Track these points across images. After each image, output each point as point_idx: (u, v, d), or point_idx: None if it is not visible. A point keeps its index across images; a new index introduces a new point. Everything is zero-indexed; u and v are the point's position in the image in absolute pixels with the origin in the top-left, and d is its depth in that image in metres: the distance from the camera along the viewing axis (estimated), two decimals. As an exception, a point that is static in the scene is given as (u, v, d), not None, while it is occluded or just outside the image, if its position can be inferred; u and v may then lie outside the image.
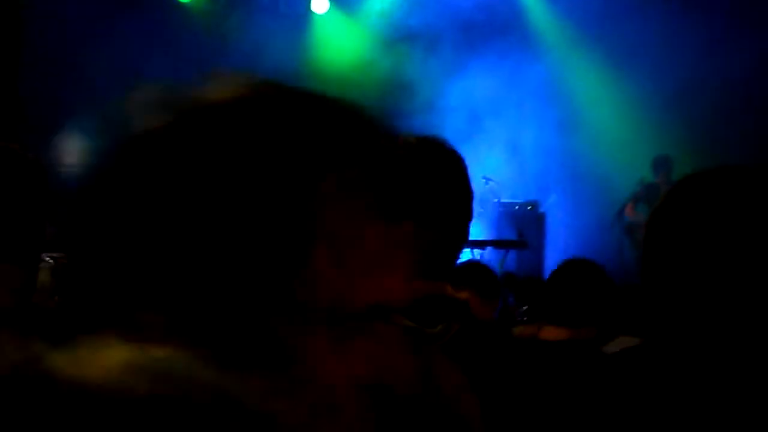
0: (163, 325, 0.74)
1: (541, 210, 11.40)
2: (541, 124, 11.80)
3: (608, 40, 11.24)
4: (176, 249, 0.76)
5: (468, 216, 1.96)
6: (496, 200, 11.04)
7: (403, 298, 0.82)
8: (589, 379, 1.68)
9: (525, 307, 6.64)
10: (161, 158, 0.79)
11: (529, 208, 11.22)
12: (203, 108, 0.82)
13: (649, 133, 10.98)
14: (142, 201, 0.78)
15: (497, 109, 11.57)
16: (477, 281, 4.40)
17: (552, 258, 10.35)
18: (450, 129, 11.13)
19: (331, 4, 12.26)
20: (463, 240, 1.97)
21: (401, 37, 11.96)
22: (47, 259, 2.29)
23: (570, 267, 3.78)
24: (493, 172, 11.00)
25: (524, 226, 10.60)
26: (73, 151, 10.27)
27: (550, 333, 3.53)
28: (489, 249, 10.01)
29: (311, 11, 12.25)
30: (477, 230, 9.90)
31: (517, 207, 11.15)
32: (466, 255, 8.38)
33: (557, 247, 11.16)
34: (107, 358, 0.67)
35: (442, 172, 1.94)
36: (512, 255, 10.43)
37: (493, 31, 11.76)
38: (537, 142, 11.88)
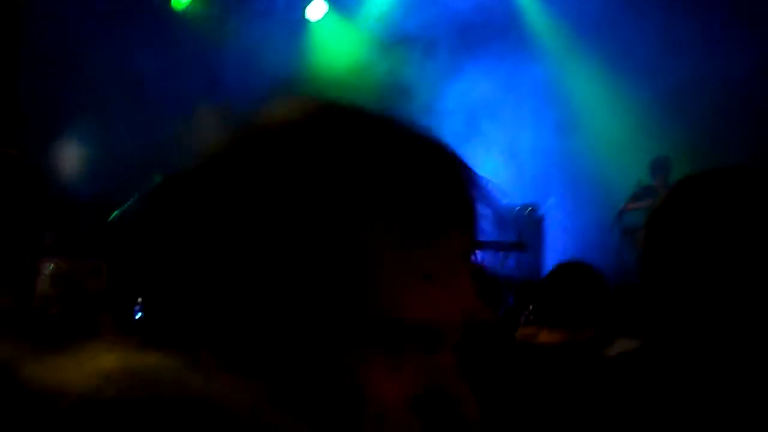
0: (222, 358, 0.75)
1: (540, 212, 11.40)
2: (539, 126, 11.80)
3: (606, 42, 11.24)
4: (234, 276, 0.76)
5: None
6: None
7: (456, 316, 0.82)
8: (590, 383, 1.68)
9: (530, 308, 6.63)
10: (222, 184, 0.80)
11: (528, 210, 11.22)
12: (266, 132, 0.82)
13: (647, 135, 10.98)
14: (203, 227, 0.78)
15: (495, 112, 11.58)
16: (479, 285, 4.39)
17: (551, 260, 10.34)
18: (448, 132, 11.08)
19: (327, 9, 12.26)
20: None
21: (398, 40, 11.96)
22: (48, 265, 2.30)
23: (564, 270, 3.78)
24: (492, 174, 10.99)
25: (523, 228, 10.61)
26: (72, 156, 10.28)
27: (548, 336, 3.53)
28: (488, 252, 10.02)
29: (307, 16, 12.25)
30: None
31: (516, 210, 11.15)
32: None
33: (556, 249, 11.15)
34: (89, 364, 0.67)
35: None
36: (511, 257, 10.45)
37: (491, 34, 11.76)
38: (535, 145, 11.88)
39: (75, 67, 10.60)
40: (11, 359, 0.67)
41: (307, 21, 12.31)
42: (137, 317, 6.34)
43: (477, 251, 0.89)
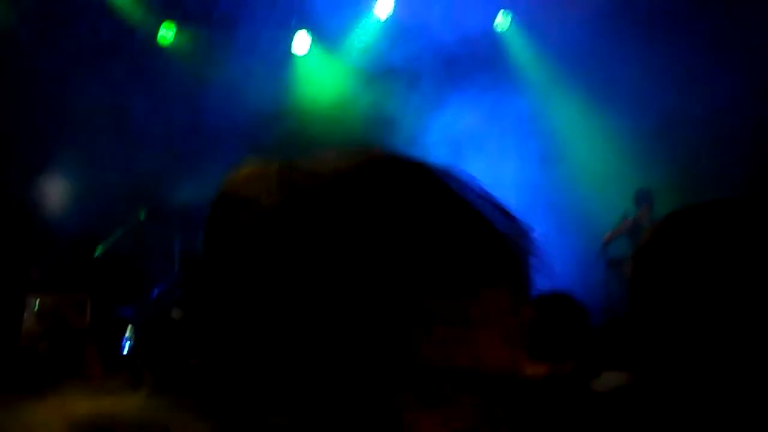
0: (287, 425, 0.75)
1: (524, 244, 11.39)
2: (523, 158, 11.83)
3: (589, 74, 11.30)
4: (287, 318, 0.77)
5: None
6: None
7: (496, 364, 0.83)
8: (582, 418, 1.69)
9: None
10: (281, 237, 0.80)
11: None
12: (322, 184, 0.83)
13: (630, 167, 11.02)
14: (263, 283, 0.79)
15: (479, 144, 11.60)
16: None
17: (534, 292, 10.32)
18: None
19: (312, 42, 12.29)
20: None
21: (383, 72, 12.00)
22: (33, 300, 2.29)
23: (546, 302, 3.77)
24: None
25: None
26: (56, 190, 10.26)
27: (531, 369, 3.51)
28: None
29: (292, 51, 12.29)
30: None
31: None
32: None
33: (540, 280, 11.13)
34: (59, 412, 0.67)
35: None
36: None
37: (475, 66, 11.81)
38: (519, 176, 11.91)
39: (60, 102, 10.60)
40: None
41: (292, 55, 12.34)
42: (124, 352, 6.31)
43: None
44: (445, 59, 11.81)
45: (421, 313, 0.78)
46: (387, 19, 12.13)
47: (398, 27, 12.05)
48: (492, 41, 12.35)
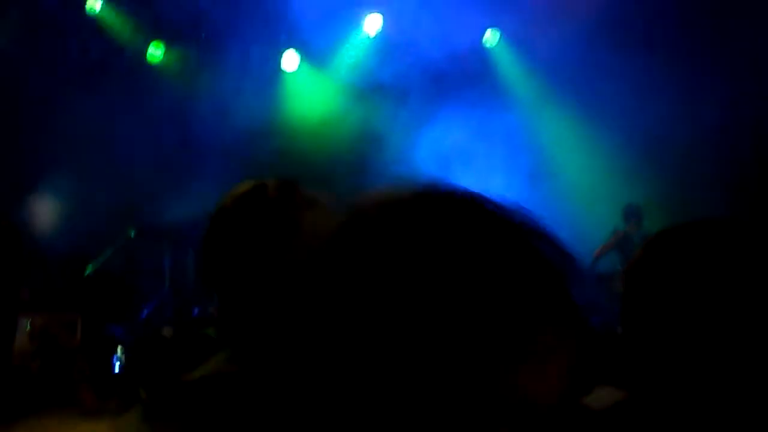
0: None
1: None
2: (512, 174, 11.84)
3: (577, 90, 11.32)
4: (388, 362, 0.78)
5: None
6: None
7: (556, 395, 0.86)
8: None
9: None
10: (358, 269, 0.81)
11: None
12: (388, 216, 0.84)
13: (620, 182, 11.04)
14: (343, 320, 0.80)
15: (468, 160, 11.61)
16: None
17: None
18: (422, 180, 11.17)
19: (300, 60, 12.31)
20: None
21: (372, 89, 12.01)
22: (25, 320, 2.29)
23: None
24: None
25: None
26: (46, 210, 10.23)
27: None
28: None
29: (281, 68, 12.30)
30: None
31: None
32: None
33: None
34: None
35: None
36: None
37: (464, 82, 11.83)
38: (508, 192, 11.89)
39: (49, 121, 10.59)
40: None
41: (281, 72, 12.36)
42: (115, 371, 6.29)
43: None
44: (433, 75, 11.84)
45: (506, 347, 0.80)
46: (376, 35, 12.16)
47: (387, 44, 12.08)
48: (480, 57, 12.38)
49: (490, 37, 12.34)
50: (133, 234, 9.84)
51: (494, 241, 0.85)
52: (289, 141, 11.87)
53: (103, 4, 11.27)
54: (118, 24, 11.48)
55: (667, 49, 10.90)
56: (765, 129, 10.78)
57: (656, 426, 1.57)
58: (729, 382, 1.51)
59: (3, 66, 10.53)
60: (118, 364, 6.07)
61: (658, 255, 1.62)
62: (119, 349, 6.17)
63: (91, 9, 11.18)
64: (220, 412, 1.78)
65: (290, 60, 12.21)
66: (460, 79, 11.84)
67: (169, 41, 11.87)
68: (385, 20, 12.03)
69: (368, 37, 12.21)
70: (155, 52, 11.87)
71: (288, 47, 12.13)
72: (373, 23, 12.06)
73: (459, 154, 11.59)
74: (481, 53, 12.37)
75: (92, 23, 11.26)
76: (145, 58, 11.83)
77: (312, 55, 12.36)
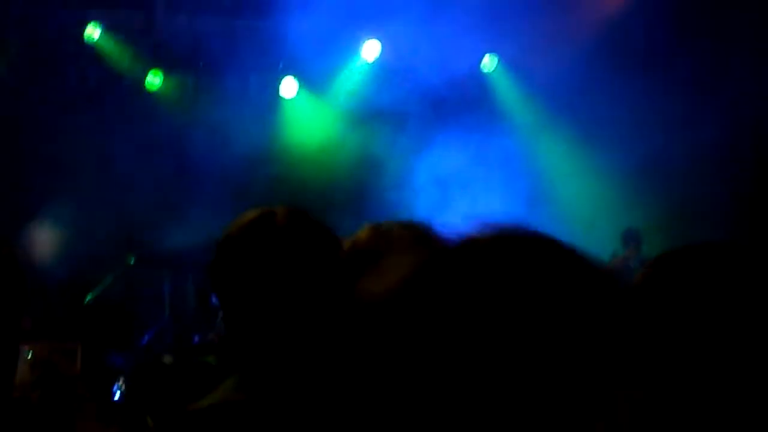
0: None
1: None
2: (510, 198, 11.84)
3: (575, 115, 11.35)
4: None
5: None
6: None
7: None
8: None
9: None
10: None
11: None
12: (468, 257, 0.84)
13: (618, 206, 11.05)
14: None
15: (466, 184, 11.61)
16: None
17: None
18: (420, 204, 11.19)
19: (299, 86, 12.33)
20: None
21: (370, 114, 12.02)
22: (26, 350, 2.28)
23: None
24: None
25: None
26: (45, 238, 10.22)
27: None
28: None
29: (280, 95, 12.32)
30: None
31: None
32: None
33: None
34: None
35: None
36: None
37: (462, 107, 11.85)
38: (506, 217, 11.86)
39: (48, 149, 10.61)
40: None
41: (279, 99, 12.37)
42: (116, 398, 6.28)
43: None
44: (432, 101, 11.86)
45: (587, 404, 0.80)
46: (374, 62, 12.19)
47: (385, 70, 12.10)
48: (479, 82, 12.41)
49: (488, 63, 12.38)
50: (132, 261, 9.83)
51: (577, 287, 0.85)
52: (287, 168, 11.89)
53: (101, 33, 11.30)
54: (117, 52, 11.51)
55: (665, 72, 10.93)
56: (765, 152, 10.81)
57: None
58: (728, 403, 1.51)
59: (2, 94, 10.55)
60: (118, 392, 6.06)
61: (657, 279, 1.62)
62: (120, 377, 6.16)
63: (89, 37, 11.21)
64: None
65: (289, 87, 12.23)
66: (459, 105, 11.87)
67: (168, 69, 11.89)
68: (383, 46, 12.06)
69: (366, 64, 12.23)
70: (153, 79, 11.89)
71: (286, 74, 12.15)
72: (371, 49, 12.09)
73: (458, 179, 11.60)
74: (479, 78, 12.40)
75: (91, 51, 11.29)
76: (144, 86, 11.84)
77: (310, 81, 12.37)
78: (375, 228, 2.55)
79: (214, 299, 8.10)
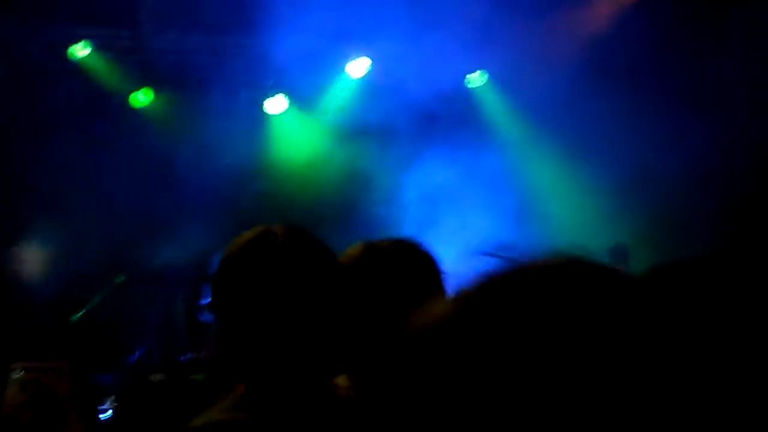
0: None
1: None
2: (498, 214, 11.86)
3: (563, 130, 11.38)
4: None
5: None
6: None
7: None
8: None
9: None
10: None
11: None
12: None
13: (605, 222, 11.07)
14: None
15: (454, 200, 11.63)
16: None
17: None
18: (409, 220, 11.20)
19: (288, 103, 12.34)
20: None
21: (358, 130, 12.04)
22: (16, 370, 2.28)
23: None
24: (452, 262, 10.99)
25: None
26: (33, 258, 10.19)
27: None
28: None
29: (267, 111, 12.32)
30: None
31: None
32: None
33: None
34: None
35: None
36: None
37: (450, 123, 11.89)
38: (494, 232, 11.92)
39: (35, 167, 10.58)
40: None
41: (267, 115, 12.38)
42: (104, 417, 6.25)
43: None
44: (420, 117, 11.89)
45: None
46: (362, 78, 12.21)
47: (373, 85, 12.12)
48: (466, 98, 12.45)
49: (476, 79, 12.42)
50: (121, 279, 9.82)
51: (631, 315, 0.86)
52: (276, 183, 11.89)
53: (89, 50, 11.29)
54: (104, 69, 11.50)
55: (650, 88, 10.98)
56: (751, 166, 10.84)
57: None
58: (726, 413, 1.52)
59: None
60: (107, 411, 6.04)
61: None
62: (108, 397, 6.14)
63: (73, 54, 11.19)
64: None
65: (275, 104, 12.24)
66: (447, 120, 11.90)
67: (156, 85, 11.89)
68: (371, 63, 12.09)
69: (355, 80, 12.26)
70: (141, 96, 11.89)
71: (275, 90, 12.16)
72: (359, 66, 12.12)
73: (446, 195, 11.62)
74: (467, 94, 12.44)
75: (78, 68, 11.28)
76: (131, 103, 11.84)
77: (298, 97, 12.39)
78: (367, 245, 2.57)
79: (203, 316, 8.09)
